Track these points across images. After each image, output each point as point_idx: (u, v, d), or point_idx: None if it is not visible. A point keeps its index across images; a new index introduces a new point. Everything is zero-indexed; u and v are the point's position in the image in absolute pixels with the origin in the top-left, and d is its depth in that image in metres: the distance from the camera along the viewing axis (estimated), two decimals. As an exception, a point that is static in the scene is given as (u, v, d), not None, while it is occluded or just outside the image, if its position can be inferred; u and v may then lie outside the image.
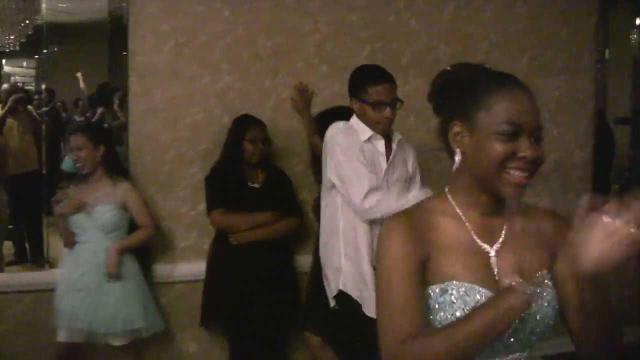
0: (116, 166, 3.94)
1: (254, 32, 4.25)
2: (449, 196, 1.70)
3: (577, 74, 4.99)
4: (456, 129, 1.64)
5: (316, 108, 4.25)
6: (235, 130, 4.00)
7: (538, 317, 1.61)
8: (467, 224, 1.66)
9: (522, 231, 1.67)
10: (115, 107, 4.30)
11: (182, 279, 4.19)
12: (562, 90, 4.94)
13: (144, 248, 3.99)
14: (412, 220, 1.65)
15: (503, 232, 1.68)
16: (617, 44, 5.29)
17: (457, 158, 1.64)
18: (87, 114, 4.45)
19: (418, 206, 1.76)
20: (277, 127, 4.25)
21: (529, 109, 1.58)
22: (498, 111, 1.57)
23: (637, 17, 5.43)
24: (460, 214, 1.67)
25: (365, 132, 3.38)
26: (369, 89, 3.34)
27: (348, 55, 4.37)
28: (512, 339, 1.60)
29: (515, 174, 1.56)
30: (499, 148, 1.55)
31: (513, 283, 1.50)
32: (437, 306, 1.57)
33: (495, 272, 1.62)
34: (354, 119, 3.43)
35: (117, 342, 3.72)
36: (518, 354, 1.64)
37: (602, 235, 1.35)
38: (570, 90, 4.97)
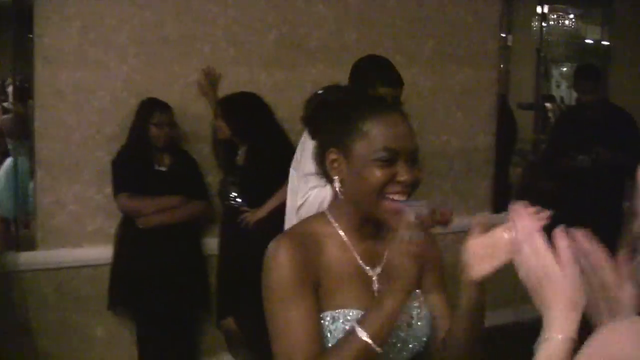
0: None
1: (161, 15, 4.21)
2: (331, 220, 1.68)
3: (481, 59, 5.11)
4: (332, 156, 1.62)
5: (223, 91, 4.25)
6: (141, 113, 3.99)
7: (419, 336, 1.66)
8: (352, 248, 1.65)
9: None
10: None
11: (89, 263, 4.14)
12: (466, 75, 5.03)
13: None
14: (300, 242, 1.61)
15: (385, 256, 1.65)
16: (519, 31, 5.48)
17: (337, 185, 1.63)
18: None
19: (302, 228, 1.72)
20: (184, 110, 4.24)
21: (404, 132, 1.59)
22: (374, 138, 1.56)
23: (539, 5, 5.63)
24: (345, 238, 1.66)
25: None
26: (380, 89, 3.08)
27: (255, 39, 4.40)
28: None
29: (395, 199, 1.55)
30: (378, 174, 1.54)
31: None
32: (329, 335, 1.55)
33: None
34: None
35: None
36: None
37: (486, 246, 1.42)
38: (474, 75, 5.09)
